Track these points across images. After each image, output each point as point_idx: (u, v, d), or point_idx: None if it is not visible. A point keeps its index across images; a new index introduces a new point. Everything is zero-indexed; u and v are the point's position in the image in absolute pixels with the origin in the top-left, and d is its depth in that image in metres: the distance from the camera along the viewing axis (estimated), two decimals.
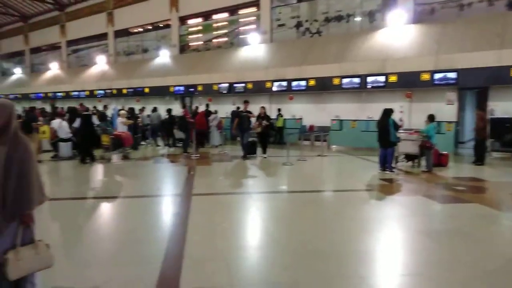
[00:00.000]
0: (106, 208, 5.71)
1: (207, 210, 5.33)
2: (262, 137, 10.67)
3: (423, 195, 6.13)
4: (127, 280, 3.13)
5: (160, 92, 18.12)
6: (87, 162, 9.59)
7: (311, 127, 13.97)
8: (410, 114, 12.07)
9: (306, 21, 15.12)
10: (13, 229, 2.46)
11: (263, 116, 10.66)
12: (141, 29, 20.81)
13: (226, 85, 15.74)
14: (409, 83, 11.59)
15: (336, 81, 12.89)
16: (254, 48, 15.79)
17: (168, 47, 19.04)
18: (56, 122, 10.45)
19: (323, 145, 11.78)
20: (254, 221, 4.97)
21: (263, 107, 10.98)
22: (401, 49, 11.97)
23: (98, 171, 8.96)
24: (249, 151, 10.42)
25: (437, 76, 11.09)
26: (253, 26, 16.50)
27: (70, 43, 24.83)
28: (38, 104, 24.52)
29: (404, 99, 12.10)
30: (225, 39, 17.70)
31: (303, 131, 13.72)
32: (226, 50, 17.19)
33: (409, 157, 8.98)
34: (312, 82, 13.50)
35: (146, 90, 18.51)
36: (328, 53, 13.41)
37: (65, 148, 10.40)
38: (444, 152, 8.97)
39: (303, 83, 13.72)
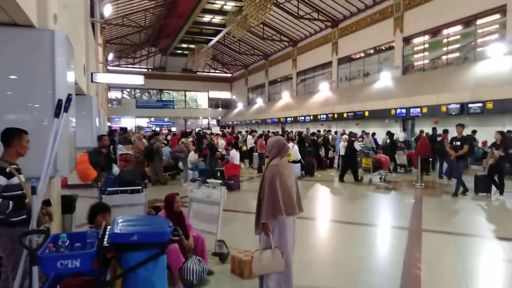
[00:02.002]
0: (334, 231, 6.08)
1: (442, 251, 4.84)
2: (494, 171, 8.45)
3: None
4: None
5: (380, 115, 17.91)
6: (343, 181, 10.99)
7: None
8: None
9: None
10: (263, 235, 3.17)
11: (498, 144, 8.47)
12: (362, 54, 21.34)
13: (457, 105, 13.96)
14: None
15: None
16: (496, 61, 13.40)
17: (390, 69, 18.68)
18: (290, 145, 11.99)
19: None
20: (503, 273, 4.15)
21: (499, 132, 8.71)
22: None
23: (325, 191, 9.64)
24: (485, 188, 8.64)
25: None
26: (495, 36, 14.08)
27: (299, 73, 28.13)
28: (271, 128, 28.92)
29: None
30: (457, 54, 15.83)
31: None
32: (458, 67, 15.33)
33: None
34: None
35: (366, 113, 18.69)
36: None
37: (295, 169, 11.74)
38: None
39: None
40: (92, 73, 10.32)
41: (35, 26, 3.62)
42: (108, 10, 13.10)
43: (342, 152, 13.17)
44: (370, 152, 11.37)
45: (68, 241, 2.29)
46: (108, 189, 4.39)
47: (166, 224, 2.46)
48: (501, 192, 8.27)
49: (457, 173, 8.95)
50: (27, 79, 3.72)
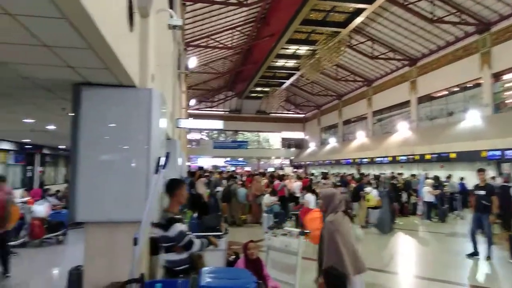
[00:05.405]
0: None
1: None
2: None
3: None
4: None
5: (469, 157, 16.35)
6: None
7: None
8: None
9: None
10: None
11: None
12: (445, 92, 20.10)
13: None
14: None
15: None
16: None
17: (479, 108, 17.23)
18: (368, 190, 11.43)
19: None
20: None
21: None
22: None
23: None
24: None
25: None
26: None
27: (375, 113, 27.33)
28: (346, 169, 28.03)
29: None
30: None
31: None
32: None
33: None
34: None
35: (452, 155, 17.22)
36: None
37: (374, 215, 11.08)
38: None
39: None
40: (177, 119, 11.22)
41: (136, 86, 4.12)
42: (193, 62, 14.39)
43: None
44: None
45: None
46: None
47: (250, 279, 2.48)
48: None
49: (488, 231, 7.22)
50: (126, 128, 4.19)
